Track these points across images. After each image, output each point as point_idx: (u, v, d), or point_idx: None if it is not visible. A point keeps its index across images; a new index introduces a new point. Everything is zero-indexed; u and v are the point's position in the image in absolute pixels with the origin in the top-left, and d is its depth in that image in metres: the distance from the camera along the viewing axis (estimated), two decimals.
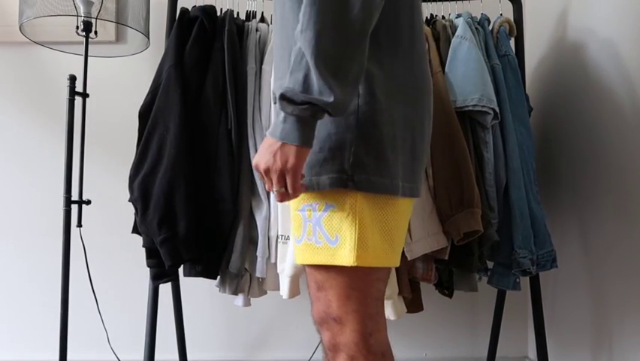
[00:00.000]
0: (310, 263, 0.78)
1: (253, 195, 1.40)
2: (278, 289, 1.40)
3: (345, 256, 0.75)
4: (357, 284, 0.78)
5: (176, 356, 1.72)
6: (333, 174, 0.76)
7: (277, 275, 1.39)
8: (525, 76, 1.56)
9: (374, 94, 0.77)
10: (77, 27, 1.51)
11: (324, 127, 0.77)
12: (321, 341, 1.03)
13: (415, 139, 0.82)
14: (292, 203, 0.82)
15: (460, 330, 1.90)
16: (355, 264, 0.74)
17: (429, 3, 1.62)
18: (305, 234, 0.78)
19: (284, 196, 0.74)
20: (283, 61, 0.85)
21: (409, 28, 0.83)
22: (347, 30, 0.68)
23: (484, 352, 1.79)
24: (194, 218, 1.31)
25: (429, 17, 1.55)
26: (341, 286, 0.77)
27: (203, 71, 1.40)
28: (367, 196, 0.76)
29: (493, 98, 1.35)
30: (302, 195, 0.78)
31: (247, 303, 1.46)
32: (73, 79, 1.43)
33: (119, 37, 1.87)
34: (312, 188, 0.77)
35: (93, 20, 1.49)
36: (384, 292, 0.83)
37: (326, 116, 0.73)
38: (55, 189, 1.87)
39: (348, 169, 0.75)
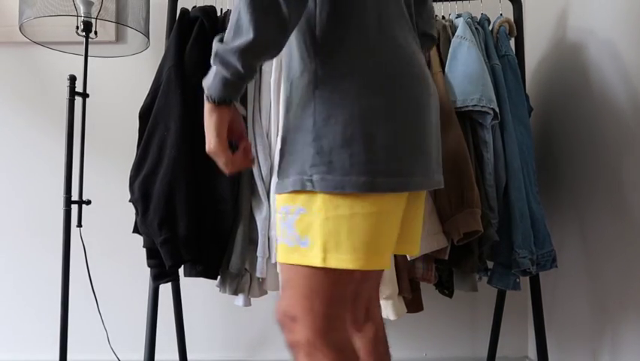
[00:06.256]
0: (284, 262, 0.82)
1: (253, 195, 1.40)
2: (278, 289, 1.40)
3: (315, 257, 0.77)
4: (320, 285, 0.80)
5: (176, 356, 1.72)
6: (295, 176, 0.79)
7: (277, 275, 1.40)
8: (525, 76, 1.56)
9: (326, 96, 0.78)
10: (77, 27, 1.51)
11: (293, 133, 0.81)
12: None
13: (394, 130, 0.78)
14: (277, 205, 0.86)
15: (460, 330, 1.90)
16: (324, 265, 0.77)
17: None
18: (281, 234, 0.83)
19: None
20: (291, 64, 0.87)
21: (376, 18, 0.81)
22: None
23: (484, 352, 1.80)
24: (194, 219, 1.31)
25: None
26: (302, 285, 0.80)
27: (204, 71, 1.39)
28: (332, 196, 0.77)
29: (493, 98, 1.35)
30: (282, 199, 0.83)
31: (247, 303, 1.46)
32: (73, 79, 1.43)
33: (119, 37, 1.87)
34: (280, 190, 0.82)
35: (93, 20, 1.50)
36: (350, 293, 0.85)
37: (293, 123, 0.81)
38: (55, 189, 1.87)
39: (308, 170, 0.78)
